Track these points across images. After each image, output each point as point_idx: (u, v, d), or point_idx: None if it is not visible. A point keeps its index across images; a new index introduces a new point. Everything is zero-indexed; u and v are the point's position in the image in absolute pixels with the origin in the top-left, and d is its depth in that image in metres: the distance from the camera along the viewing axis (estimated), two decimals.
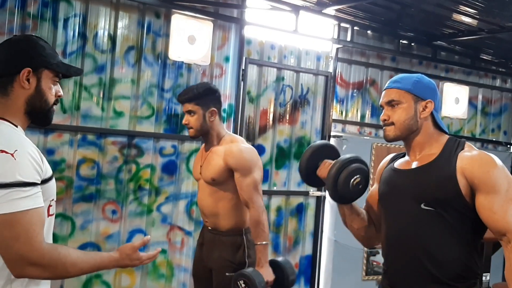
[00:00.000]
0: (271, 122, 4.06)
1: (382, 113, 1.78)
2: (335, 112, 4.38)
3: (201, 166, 2.70)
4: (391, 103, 1.75)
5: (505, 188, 1.58)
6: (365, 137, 4.46)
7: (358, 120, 4.51)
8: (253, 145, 3.96)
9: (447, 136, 1.79)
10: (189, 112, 2.63)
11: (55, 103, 1.47)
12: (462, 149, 1.68)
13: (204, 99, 2.61)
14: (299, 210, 4.21)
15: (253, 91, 3.98)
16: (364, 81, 4.53)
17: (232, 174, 2.56)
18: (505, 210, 1.55)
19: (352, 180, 1.81)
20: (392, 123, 1.74)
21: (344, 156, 1.90)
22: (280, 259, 2.69)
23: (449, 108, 4.93)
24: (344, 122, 4.44)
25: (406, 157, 1.84)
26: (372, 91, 4.56)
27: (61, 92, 1.49)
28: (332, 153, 2.06)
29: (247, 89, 3.92)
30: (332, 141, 4.30)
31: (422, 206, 1.66)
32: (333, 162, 1.88)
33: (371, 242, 2.00)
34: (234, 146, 2.60)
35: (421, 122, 1.75)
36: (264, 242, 2.55)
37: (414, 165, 1.75)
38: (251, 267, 2.52)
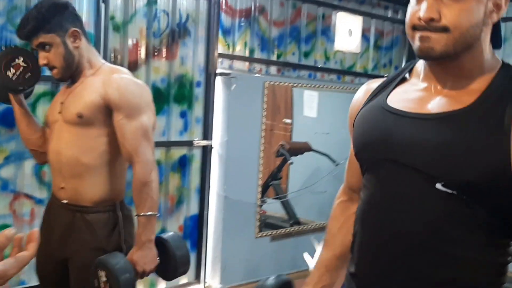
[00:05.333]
0: (143, 56, 3.26)
1: (423, 7, 1.00)
2: (221, 45, 3.67)
3: (62, 103, 1.90)
4: None
5: None
6: (255, 75, 3.83)
7: (247, 55, 3.85)
8: None
9: (500, 61, 1.07)
10: (42, 46, 1.87)
11: None
12: None
13: (55, 21, 1.84)
14: (182, 164, 3.52)
15: (118, 17, 3.12)
16: (253, 8, 3.85)
17: (109, 115, 1.83)
18: None
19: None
20: (446, 28, 0.98)
21: None
22: (169, 236, 2.00)
23: (342, 41, 4.48)
24: (232, 57, 3.75)
25: (419, 85, 1.11)
26: (261, 21, 3.90)
27: None
28: None
29: (110, 14, 3.05)
30: (219, 80, 3.62)
31: (438, 186, 0.99)
32: None
33: None
34: (118, 76, 1.88)
35: (481, 33, 1.02)
36: (149, 213, 1.84)
37: (437, 107, 1.03)
38: (121, 253, 1.82)
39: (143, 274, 1.82)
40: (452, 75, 1.05)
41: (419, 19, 1.00)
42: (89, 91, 1.86)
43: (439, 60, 1.04)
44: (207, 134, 3.57)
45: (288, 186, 4.35)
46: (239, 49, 3.79)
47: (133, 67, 3.20)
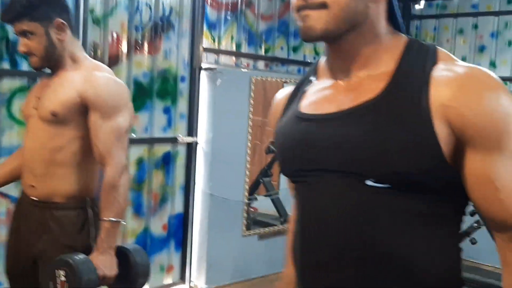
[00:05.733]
0: (124, 51, 3.16)
1: None
2: (206, 39, 3.58)
3: (38, 98, 1.83)
4: None
5: None
6: (242, 70, 3.74)
7: (234, 49, 3.76)
8: None
9: (405, 37, 0.99)
10: (24, 33, 1.78)
11: None
12: (435, 61, 0.92)
13: (41, 9, 1.77)
14: (166, 161, 3.43)
15: (98, 9, 3.02)
16: (239, 1, 3.75)
17: (85, 113, 1.76)
18: None
19: None
20: (324, 4, 0.91)
21: None
22: (131, 246, 1.92)
23: None
24: (218, 51, 3.66)
25: (326, 82, 1.03)
26: (249, 14, 3.81)
27: None
28: None
29: (89, 6, 2.96)
30: (204, 74, 3.53)
31: (369, 183, 0.90)
32: None
33: None
34: (99, 74, 1.81)
35: (369, 9, 0.94)
36: (114, 219, 1.76)
37: (347, 101, 0.95)
38: (82, 254, 1.74)
39: (103, 280, 1.74)
40: (351, 61, 0.97)
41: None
42: (66, 87, 1.78)
43: (322, 40, 0.96)
44: (192, 130, 3.48)
45: (280, 183, 4.26)
46: (225, 44, 3.70)
47: (114, 61, 3.11)
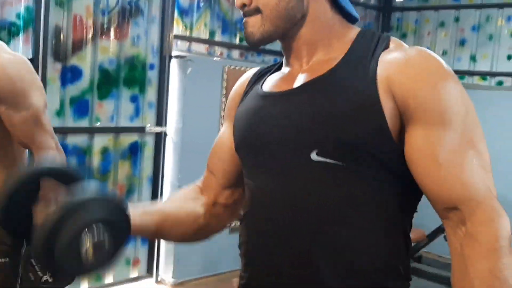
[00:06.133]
0: (90, 35, 3.03)
1: None
2: (178, 26, 3.45)
3: None
4: None
5: (461, 120, 0.85)
6: (213, 58, 3.62)
7: (207, 37, 3.64)
8: (64, 66, 2.93)
9: (358, 28, 1.01)
10: None
11: None
12: (386, 47, 0.93)
13: None
14: (133, 151, 3.32)
15: None
16: None
17: None
18: (460, 160, 0.83)
19: (81, 247, 0.88)
20: (258, 10, 0.96)
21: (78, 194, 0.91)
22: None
23: None
24: (190, 39, 3.54)
25: (285, 69, 1.05)
26: (223, 2, 3.69)
27: None
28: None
29: None
30: (174, 62, 3.41)
31: (314, 156, 0.88)
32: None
33: (220, 225, 1.20)
34: None
35: (309, 4, 0.97)
36: None
37: (300, 81, 0.97)
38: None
39: None
40: (301, 50, 1.01)
41: (239, 6, 1.00)
42: None
43: (265, 42, 1.00)
44: (160, 120, 3.37)
45: None
46: (198, 31, 3.58)
47: (78, 46, 2.98)
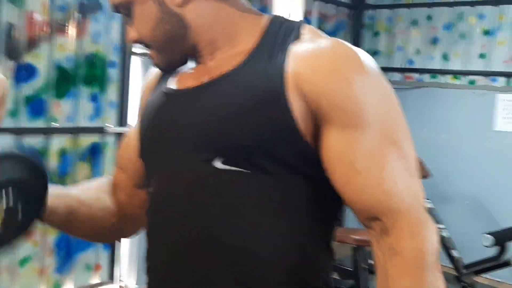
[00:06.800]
0: (46, 32, 2.90)
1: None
2: None
3: None
4: (119, 7, 0.94)
5: (381, 119, 0.76)
6: None
7: None
8: (19, 65, 2.80)
9: (267, 17, 0.92)
10: None
11: None
12: (297, 37, 0.84)
13: None
14: (94, 153, 3.20)
15: None
16: None
17: None
18: (380, 166, 0.74)
19: None
20: (146, 44, 0.93)
21: None
22: None
23: None
24: None
25: (192, 64, 0.97)
26: None
27: None
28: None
29: None
30: (136, 60, 3.30)
31: (217, 164, 0.80)
32: None
33: (135, 228, 1.11)
34: None
35: (185, 15, 0.89)
36: None
37: (204, 78, 0.89)
38: None
39: None
40: (206, 51, 0.93)
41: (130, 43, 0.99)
42: None
43: (176, 66, 0.95)
44: (122, 120, 3.25)
45: None
46: None
47: (33, 43, 2.85)
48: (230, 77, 0.85)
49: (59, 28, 2.95)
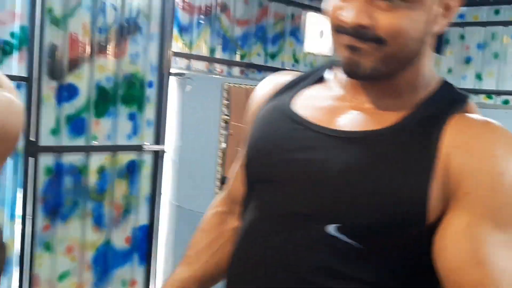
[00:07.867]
0: (87, 53, 3.00)
1: (350, 8, 0.75)
2: (177, 43, 3.42)
3: None
4: None
5: None
6: (213, 76, 3.58)
7: (207, 54, 3.61)
8: (60, 84, 2.90)
9: (436, 77, 0.85)
10: None
11: None
12: (461, 110, 0.79)
13: None
14: (131, 170, 3.26)
15: (57, 9, 2.86)
16: (214, 5, 3.60)
17: None
18: (503, 264, 0.67)
19: None
20: (380, 39, 0.75)
21: None
22: None
23: (313, 42, 4.26)
24: (189, 56, 3.50)
25: (329, 92, 0.87)
26: (223, 19, 3.66)
27: None
28: None
29: (47, 6, 2.80)
30: (173, 80, 3.37)
31: (330, 231, 0.74)
32: None
33: None
34: None
35: (425, 43, 0.80)
36: None
37: (350, 122, 0.80)
38: None
39: None
40: (380, 91, 0.83)
41: (346, 22, 0.76)
42: None
43: (366, 80, 0.82)
44: (159, 138, 3.32)
45: None
46: (198, 49, 3.54)
47: (74, 64, 2.95)
48: (379, 137, 0.77)
49: (100, 49, 3.04)
